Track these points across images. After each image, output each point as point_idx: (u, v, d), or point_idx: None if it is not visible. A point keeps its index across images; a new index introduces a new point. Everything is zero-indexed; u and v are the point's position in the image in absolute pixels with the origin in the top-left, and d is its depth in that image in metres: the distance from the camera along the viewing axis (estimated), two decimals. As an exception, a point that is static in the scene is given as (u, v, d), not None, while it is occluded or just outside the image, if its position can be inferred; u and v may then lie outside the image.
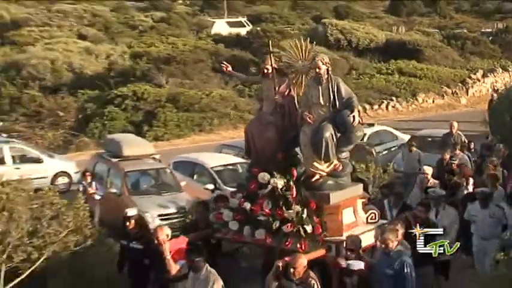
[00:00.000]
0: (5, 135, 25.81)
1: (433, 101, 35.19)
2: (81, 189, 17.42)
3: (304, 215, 9.84)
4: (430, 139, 20.78)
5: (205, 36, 43.78)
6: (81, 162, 22.09)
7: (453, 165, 15.71)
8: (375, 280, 8.94)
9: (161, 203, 17.26)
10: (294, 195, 9.89)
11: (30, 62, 33.08)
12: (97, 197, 17.02)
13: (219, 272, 9.91)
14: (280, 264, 8.71)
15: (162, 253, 9.68)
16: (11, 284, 11.61)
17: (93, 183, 18.05)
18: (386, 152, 21.99)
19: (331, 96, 9.94)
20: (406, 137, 21.72)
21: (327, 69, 10.00)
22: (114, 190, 17.91)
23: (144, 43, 39.43)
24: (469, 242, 12.11)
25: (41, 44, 36.81)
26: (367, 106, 33.07)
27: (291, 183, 9.96)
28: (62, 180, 21.77)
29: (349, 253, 9.26)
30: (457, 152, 17.02)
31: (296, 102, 10.51)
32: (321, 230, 9.87)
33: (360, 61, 38.20)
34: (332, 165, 10.15)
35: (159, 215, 16.60)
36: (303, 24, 47.37)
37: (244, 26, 46.83)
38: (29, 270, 11.44)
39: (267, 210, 9.97)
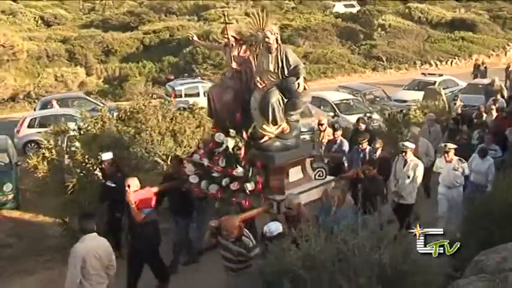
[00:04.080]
0: (199, 78, 32.15)
1: (482, 60, 41.70)
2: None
3: (250, 174, 9.74)
4: (480, 86, 24.51)
5: (329, 14, 52.39)
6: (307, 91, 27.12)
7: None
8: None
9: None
10: (243, 155, 9.76)
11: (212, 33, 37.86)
12: None
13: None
14: (214, 224, 8.26)
15: (129, 202, 9.55)
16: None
17: None
18: (450, 94, 25.69)
19: (280, 64, 9.77)
20: (464, 84, 26.98)
21: (276, 39, 9.78)
22: None
23: (287, 18, 47.71)
24: None
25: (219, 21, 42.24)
26: (438, 62, 41.25)
27: (241, 143, 9.80)
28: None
29: (287, 210, 8.97)
30: (498, 97, 20.06)
31: (254, 69, 10.24)
32: (262, 188, 9.80)
33: (434, 32, 46.52)
34: (280, 128, 9.99)
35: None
36: (393, 6, 53.97)
37: (354, 7, 54.91)
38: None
39: (219, 168, 9.89)
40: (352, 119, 20.55)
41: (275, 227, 8.00)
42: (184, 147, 14.09)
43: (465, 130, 15.50)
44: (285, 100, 9.84)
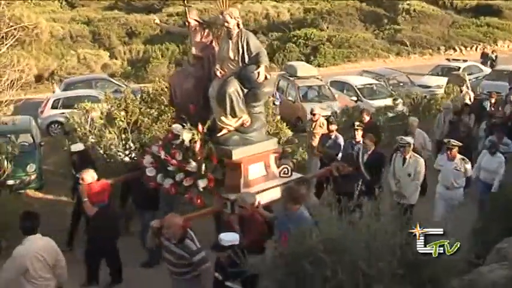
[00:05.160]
0: None
1: (508, 46, 42.38)
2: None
3: (203, 170, 9.01)
4: (505, 72, 24.38)
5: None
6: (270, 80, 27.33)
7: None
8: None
9: (322, 107, 19.16)
10: (199, 149, 9.06)
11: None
12: (276, 102, 19.37)
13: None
14: (154, 225, 7.61)
15: (82, 195, 9.25)
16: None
17: (276, 93, 22.09)
18: (474, 80, 25.81)
19: (240, 51, 9.07)
20: (488, 70, 26.80)
21: (237, 24, 9.08)
22: (290, 98, 22.15)
23: (311, 2, 47.21)
24: None
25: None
26: (463, 48, 41.06)
27: (196, 136, 9.11)
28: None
29: (241, 210, 8.14)
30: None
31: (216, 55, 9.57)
32: (214, 186, 9.10)
33: (458, 17, 45.99)
34: (240, 121, 9.37)
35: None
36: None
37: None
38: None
39: (174, 161, 9.15)
40: (375, 103, 20.99)
41: (230, 238, 6.90)
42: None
43: (466, 121, 14.93)
44: (245, 90, 9.24)
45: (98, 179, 9.58)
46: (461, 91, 19.73)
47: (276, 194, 9.24)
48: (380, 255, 4.56)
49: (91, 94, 21.11)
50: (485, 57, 31.41)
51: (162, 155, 9.36)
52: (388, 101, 20.73)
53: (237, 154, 9.30)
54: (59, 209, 12.81)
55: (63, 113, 18.87)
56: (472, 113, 15.87)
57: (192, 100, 9.60)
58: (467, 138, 13.03)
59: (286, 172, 9.85)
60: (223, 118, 9.34)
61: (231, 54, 9.17)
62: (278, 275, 4.91)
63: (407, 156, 10.82)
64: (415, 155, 10.96)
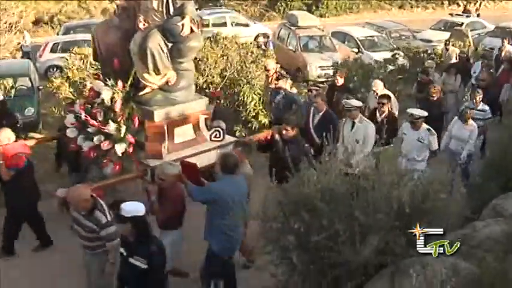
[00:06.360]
0: (225, 8, 32.12)
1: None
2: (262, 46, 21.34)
3: (123, 133, 8.27)
4: (508, 29, 23.66)
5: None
6: (271, 28, 26.67)
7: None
8: None
9: (322, 57, 21.17)
10: (119, 109, 8.34)
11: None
12: (270, 48, 20.29)
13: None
14: (59, 194, 7.11)
15: None
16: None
17: (270, 42, 23.34)
18: (477, 35, 25.62)
19: (165, 1, 8.52)
20: (491, 27, 26.44)
21: None
22: (291, 47, 22.16)
23: None
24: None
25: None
26: (465, 2, 39.82)
27: (117, 95, 8.40)
28: (262, 40, 24.88)
29: (159, 181, 7.22)
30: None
31: None
32: (134, 151, 8.41)
33: None
34: (165, 78, 8.59)
35: (320, 66, 20.70)
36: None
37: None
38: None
39: (94, 122, 8.38)
40: (376, 56, 20.97)
41: (131, 208, 6.00)
42: (206, 76, 14.01)
43: (437, 81, 13.78)
44: (170, 45, 8.49)
45: (16, 140, 8.73)
46: (447, 50, 18.95)
47: (207, 159, 8.58)
48: (378, 207, 4.53)
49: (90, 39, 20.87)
50: (467, 13, 31.11)
51: (83, 115, 8.57)
52: (389, 54, 20.68)
53: (160, 116, 8.57)
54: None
55: (62, 57, 18.60)
56: (458, 73, 14.95)
57: (117, 54, 8.72)
58: (438, 103, 12.06)
59: (218, 136, 9.07)
60: (146, 75, 8.55)
61: (155, 4, 8.56)
62: (275, 224, 4.86)
63: (356, 121, 9.80)
64: (366, 119, 9.96)
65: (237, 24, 27.78)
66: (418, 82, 14.09)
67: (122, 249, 6.19)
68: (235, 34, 17.36)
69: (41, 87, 16.00)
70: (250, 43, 16.71)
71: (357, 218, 4.46)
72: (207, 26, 26.22)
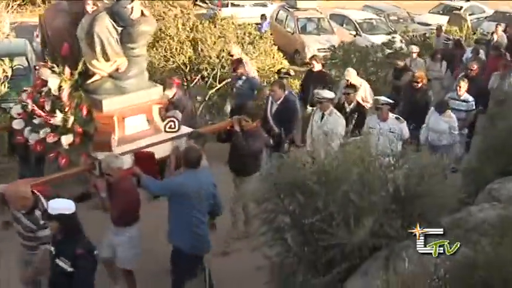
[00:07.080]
0: None
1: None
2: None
3: (69, 124, 7.76)
4: (508, 14, 24.05)
5: None
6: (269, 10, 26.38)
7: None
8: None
9: (320, 40, 21.59)
10: (67, 98, 7.82)
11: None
12: (262, 31, 19.10)
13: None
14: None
15: None
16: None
17: (265, 23, 23.20)
18: (476, 20, 25.44)
19: None
20: (491, 11, 26.33)
21: None
22: (289, 30, 22.72)
23: None
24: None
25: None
26: None
27: (64, 83, 7.88)
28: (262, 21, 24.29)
29: (107, 176, 6.99)
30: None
31: None
32: (81, 142, 7.85)
33: None
34: (115, 65, 8.05)
35: (318, 49, 20.50)
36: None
37: None
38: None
39: (40, 112, 7.93)
40: (374, 38, 21.03)
41: (58, 205, 5.62)
42: (203, 57, 14.05)
43: (412, 71, 12.82)
44: (120, 29, 7.90)
45: None
46: (438, 36, 18.58)
47: (160, 152, 8.19)
48: (373, 189, 4.53)
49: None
50: None
51: (30, 104, 8.05)
52: (388, 37, 20.23)
53: (108, 105, 8.02)
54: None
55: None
56: (444, 59, 14.60)
57: (65, 40, 8.07)
58: (424, 90, 11.48)
59: (172, 126, 8.54)
60: (94, 62, 7.96)
61: None
62: (270, 205, 4.85)
63: (326, 113, 9.43)
64: (336, 112, 9.56)
65: (255, 5, 27.75)
66: (394, 68, 13.52)
67: (52, 248, 5.83)
68: (233, 15, 17.32)
69: (37, 67, 15.81)
70: (248, 24, 16.56)
71: (352, 200, 4.45)
72: (226, 6, 26.10)
